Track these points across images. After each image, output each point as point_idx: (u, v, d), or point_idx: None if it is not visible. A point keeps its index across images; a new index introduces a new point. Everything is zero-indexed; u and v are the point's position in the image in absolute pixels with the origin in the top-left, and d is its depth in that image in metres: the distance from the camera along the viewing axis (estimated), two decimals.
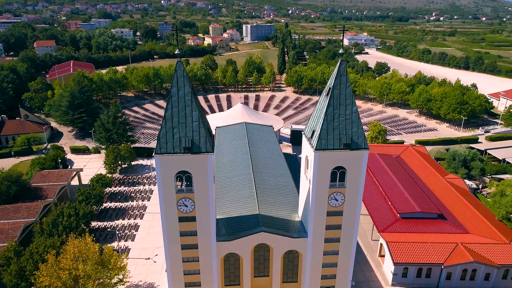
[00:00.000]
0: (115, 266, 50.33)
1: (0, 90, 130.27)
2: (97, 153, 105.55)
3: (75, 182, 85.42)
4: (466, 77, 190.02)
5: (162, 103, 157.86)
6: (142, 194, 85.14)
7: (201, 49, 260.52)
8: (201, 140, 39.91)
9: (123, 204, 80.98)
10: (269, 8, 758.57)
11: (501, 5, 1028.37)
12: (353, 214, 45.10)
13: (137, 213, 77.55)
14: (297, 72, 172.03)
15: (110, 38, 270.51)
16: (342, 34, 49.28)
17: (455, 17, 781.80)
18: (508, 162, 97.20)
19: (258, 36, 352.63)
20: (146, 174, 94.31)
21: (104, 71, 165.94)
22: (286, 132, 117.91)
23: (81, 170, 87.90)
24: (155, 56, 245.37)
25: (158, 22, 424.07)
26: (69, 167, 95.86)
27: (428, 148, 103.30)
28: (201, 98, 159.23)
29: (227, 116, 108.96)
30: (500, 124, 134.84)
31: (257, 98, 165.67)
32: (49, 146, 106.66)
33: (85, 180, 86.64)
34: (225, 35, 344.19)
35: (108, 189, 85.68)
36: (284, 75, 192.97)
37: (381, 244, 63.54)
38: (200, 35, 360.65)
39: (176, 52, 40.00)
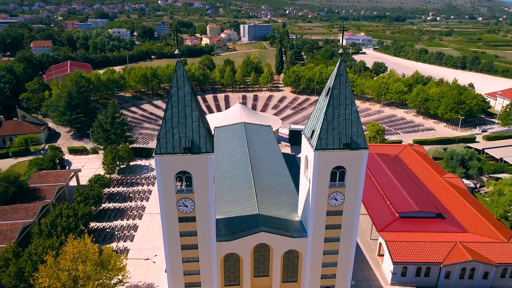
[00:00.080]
0: (115, 267, 50.20)
1: None
2: (95, 153, 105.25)
3: (73, 182, 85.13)
4: (463, 77, 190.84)
5: (160, 103, 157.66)
6: (141, 194, 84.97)
7: (199, 49, 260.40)
8: (201, 140, 39.90)
9: (122, 205, 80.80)
10: (266, 8, 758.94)
11: (497, 5, 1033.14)
12: (352, 213, 45.23)
13: (135, 213, 77.39)
14: (295, 72, 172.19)
15: (107, 38, 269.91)
16: (341, 34, 49.38)
17: (452, 17, 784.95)
18: (505, 161, 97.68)
19: (255, 36, 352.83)
20: (144, 175, 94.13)
21: (101, 71, 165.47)
22: (284, 132, 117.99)
23: (79, 170, 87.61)
24: (152, 56, 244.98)
25: (155, 22, 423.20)
26: (67, 167, 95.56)
27: (426, 147, 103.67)
28: (199, 98, 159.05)
29: (226, 116, 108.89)
30: (497, 123, 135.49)
31: (255, 98, 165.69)
32: (46, 147, 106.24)
33: (83, 181, 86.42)
34: (222, 35, 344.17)
35: (106, 190, 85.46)
36: (282, 75, 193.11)
37: (380, 244, 63.70)
38: (198, 35, 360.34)
39: (176, 52, 39.96)
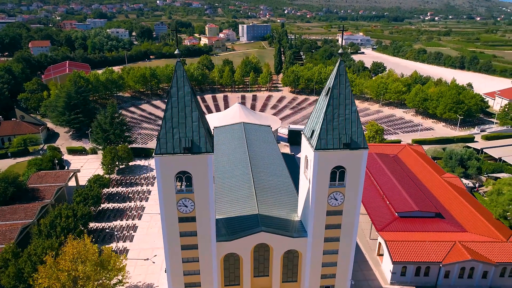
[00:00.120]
0: (114, 267, 50.14)
1: None
2: (94, 153, 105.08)
3: (72, 183, 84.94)
4: (462, 77, 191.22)
5: (159, 103, 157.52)
6: (140, 194, 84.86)
7: (198, 49, 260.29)
8: (201, 140, 39.87)
9: (121, 205, 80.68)
10: (265, 8, 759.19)
11: (495, 5, 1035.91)
12: (352, 213, 45.28)
13: (135, 213, 77.29)
14: (294, 72, 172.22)
15: (105, 38, 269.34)
16: (341, 35, 49.44)
17: (450, 17, 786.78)
18: (504, 161, 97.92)
19: (254, 36, 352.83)
20: (143, 175, 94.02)
21: (100, 72, 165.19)
22: (283, 132, 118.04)
23: (78, 171, 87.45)
24: (151, 56, 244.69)
25: (153, 22, 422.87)
26: (66, 168, 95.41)
27: (425, 147, 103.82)
28: (198, 99, 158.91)
29: (225, 116, 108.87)
30: (496, 123, 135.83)
31: (254, 98, 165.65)
32: (45, 147, 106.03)
33: (82, 181, 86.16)
34: (221, 35, 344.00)
35: (105, 190, 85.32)
36: (281, 75, 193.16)
37: (380, 243, 63.79)
38: (196, 35, 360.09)
39: (175, 52, 39.91)
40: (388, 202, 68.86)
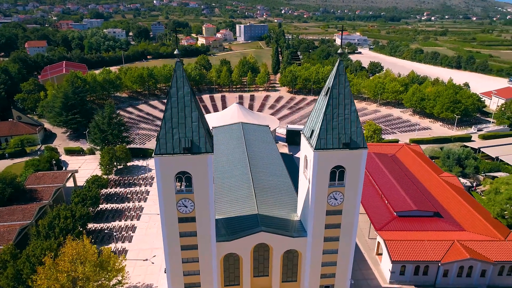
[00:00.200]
0: (114, 268, 50.00)
1: None
2: (91, 154, 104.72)
3: (70, 183, 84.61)
4: (458, 76, 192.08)
5: (156, 103, 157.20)
6: (139, 195, 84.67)
7: (195, 49, 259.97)
8: (201, 141, 39.83)
9: (120, 206, 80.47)
10: (262, 8, 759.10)
11: (491, 5, 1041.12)
12: (352, 213, 45.35)
13: (133, 214, 77.10)
14: (291, 72, 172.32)
15: (102, 38, 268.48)
16: (341, 35, 49.54)
17: (446, 17, 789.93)
18: (501, 160, 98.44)
19: (251, 36, 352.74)
20: (142, 175, 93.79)
21: (97, 72, 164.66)
22: (281, 132, 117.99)
23: (76, 171, 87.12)
24: (148, 56, 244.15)
25: (150, 22, 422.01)
26: (63, 168, 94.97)
27: (423, 146, 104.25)
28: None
29: (223, 116, 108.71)
30: (492, 122, 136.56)
31: (252, 98, 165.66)
32: (43, 148, 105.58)
33: (80, 182, 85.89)
34: (218, 35, 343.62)
35: (104, 191, 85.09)
36: (279, 75, 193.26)
37: (379, 243, 63.96)
38: (193, 35, 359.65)
39: (175, 52, 39.84)
40: (386, 202, 69.08)
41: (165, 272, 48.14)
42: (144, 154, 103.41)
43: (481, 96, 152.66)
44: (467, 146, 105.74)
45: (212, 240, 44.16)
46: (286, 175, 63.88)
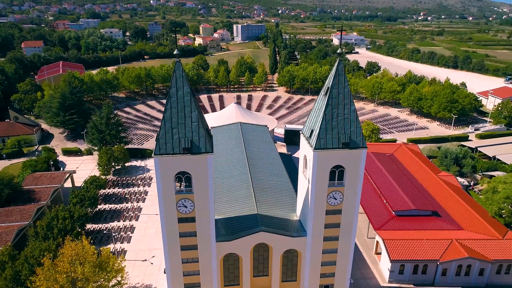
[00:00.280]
0: (113, 269, 49.86)
1: None
2: (89, 154, 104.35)
3: (68, 184, 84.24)
4: (455, 76, 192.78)
5: (154, 103, 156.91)
6: (137, 195, 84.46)
7: (192, 49, 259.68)
8: (201, 141, 39.79)
9: (118, 206, 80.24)
10: (259, 8, 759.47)
11: (487, 5, 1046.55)
12: (351, 212, 45.45)
13: (132, 214, 76.92)
14: (289, 72, 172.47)
15: (99, 38, 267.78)
16: (340, 35, 49.63)
17: (443, 16, 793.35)
18: (498, 159, 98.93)
19: (248, 36, 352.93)
20: (140, 175, 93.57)
21: (94, 72, 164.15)
22: (279, 131, 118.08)
23: (74, 172, 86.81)
24: (145, 57, 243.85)
25: (147, 22, 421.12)
26: (61, 169, 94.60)
27: (420, 146, 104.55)
28: None
29: (221, 116, 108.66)
30: (489, 122, 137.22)
31: (250, 98, 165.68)
32: (40, 148, 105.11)
33: (78, 183, 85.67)
34: (215, 35, 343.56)
35: (102, 191, 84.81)
36: (276, 75, 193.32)
37: (377, 242, 64.14)
38: (191, 35, 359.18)
39: (174, 52, 39.82)
40: (385, 201, 69.27)
41: (164, 273, 48.07)
42: (142, 154, 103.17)
43: (478, 96, 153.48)
44: (464, 146, 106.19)
45: (212, 240, 44.14)
46: (285, 175, 63.93)
